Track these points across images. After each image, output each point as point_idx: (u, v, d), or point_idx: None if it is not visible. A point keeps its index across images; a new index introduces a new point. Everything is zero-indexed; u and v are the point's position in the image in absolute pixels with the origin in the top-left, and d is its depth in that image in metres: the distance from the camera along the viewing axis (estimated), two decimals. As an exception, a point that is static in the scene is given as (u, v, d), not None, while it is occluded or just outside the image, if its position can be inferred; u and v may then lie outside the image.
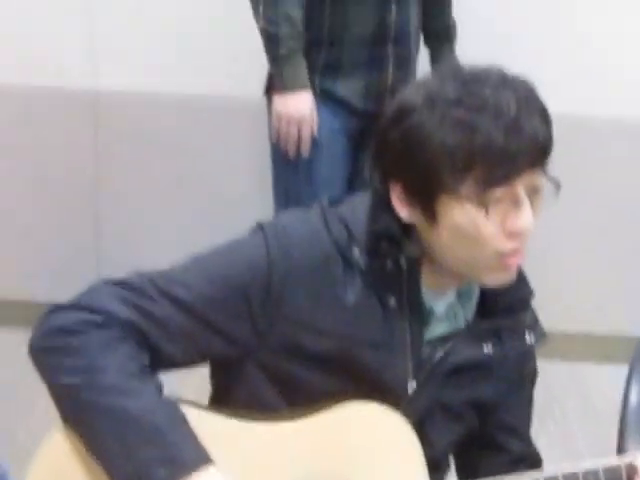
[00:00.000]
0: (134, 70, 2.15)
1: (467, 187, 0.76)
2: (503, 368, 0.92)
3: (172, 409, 0.80)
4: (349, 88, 1.62)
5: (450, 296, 0.89)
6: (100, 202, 2.29)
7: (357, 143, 1.68)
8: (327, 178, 1.63)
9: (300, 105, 1.54)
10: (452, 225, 0.79)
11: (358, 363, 0.86)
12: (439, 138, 0.76)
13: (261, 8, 1.54)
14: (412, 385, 0.88)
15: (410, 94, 0.84)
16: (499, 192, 0.76)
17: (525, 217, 0.78)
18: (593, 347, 2.24)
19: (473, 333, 0.89)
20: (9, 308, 2.17)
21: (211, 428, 0.82)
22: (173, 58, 2.11)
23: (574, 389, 2.17)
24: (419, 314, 0.87)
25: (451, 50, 1.80)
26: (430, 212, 0.80)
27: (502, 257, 0.80)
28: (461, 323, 0.90)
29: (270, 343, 0.85)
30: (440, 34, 1.78)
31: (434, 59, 1.79)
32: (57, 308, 0.85)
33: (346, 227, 0.86)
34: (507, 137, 0.75)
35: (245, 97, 1.89)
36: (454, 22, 1.78)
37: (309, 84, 1.56)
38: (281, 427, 0.84)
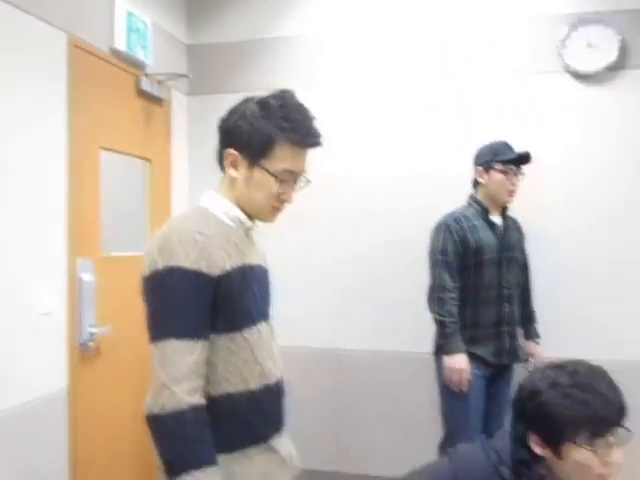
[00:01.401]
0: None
1: (581, 439, 1.13)
2: None
3: None
4: (484, 351, 2.52)
5: None
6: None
7: (490, 382, 2.56)
8: (475, 402, 2.47)
9: (461, 362, 2.45)
10: (572, 462, 1.15)
11: None
12: (563, 410, 1.13)
13: (435, 306, 2.51)
14: None
15: (536, 380, 1.21)
16: (600, 441, 1.13)
17: (615, 455, 1.14)
18: None
19: None
20: None
21: None
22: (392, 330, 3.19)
23: None
24: None
25: (535, 328, 2.77)
26: (558, 452, 1.15)
27: (602, 477, 1.15)
28: None
29: None
30: (529, 318, 2.78)
31: (527, 335, 2.76)
32: None
33: (497, 453, 1.22)
34: (605, 407, 1.13)
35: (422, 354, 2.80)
36: (534, 310, 2.79)
37: (465, 349, 2.48)
38: None
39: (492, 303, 2.55)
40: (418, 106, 3.23)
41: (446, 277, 2.51)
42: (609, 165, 3.03)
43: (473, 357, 2.51)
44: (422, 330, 2.74)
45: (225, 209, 1.34)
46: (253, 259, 1.37)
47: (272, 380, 1.34)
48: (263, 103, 1.31)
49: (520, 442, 1.22)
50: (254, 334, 1.31)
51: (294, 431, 3.24)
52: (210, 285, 1.21)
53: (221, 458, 1.22)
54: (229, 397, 1.26)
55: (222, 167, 1.37)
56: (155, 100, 3.07)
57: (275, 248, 3.05)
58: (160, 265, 1.20)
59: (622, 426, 1.16)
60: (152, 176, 3.06)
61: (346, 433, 3.28)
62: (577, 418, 1.14)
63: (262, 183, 1.30)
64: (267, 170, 1.30)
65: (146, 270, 1.23)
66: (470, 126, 3.09)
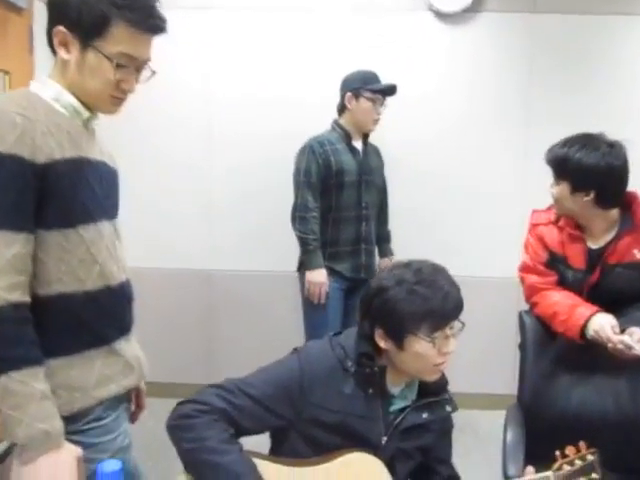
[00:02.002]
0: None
1: (422, 332, 1.22)
2: (435, 424, 1.37)
3: (248, 462, 1.19)
4: (343, 267, 2.71)
5: (402, 386, 1.34)
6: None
7: (348, 295, 2.76)
8: (333, 312, 2.68)
9: (321, 276, 2.63)
10: (413, 352, 1.24)
11: (352, 428, 1.27)
12: (406, 305, 1.22)
13: (298, 224, 2.64)
14: (384, 439, 1.30)
15: (384, 278, 1.28)
16: (439, 333, 1.23)
17: (452, 345, 1.26)
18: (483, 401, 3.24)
19: (416, 406, 1.33)
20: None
21: (268, 469, 1.22)
22: (261, 249, 3.31)
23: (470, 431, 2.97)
24: (386, 397, 1.31)
25: (389, 247, 3.02)
26: (400, 345, 1.25)
27: (437, 366, 1.27)
28: (409, 401, 1.34)
29: (303, 418, 1.26)
30: (385, 237, 3.02)
31: (382, 253, 2.99)
32: (183, 401, 1.25)
33: (343, 348, 1.30)
34: (444, 303, 1.23)
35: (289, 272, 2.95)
36: (389, 230, 3.03)
37: (324, 265, 2.66)
38: (312, 469, 1.24)
39: (351, 222, 2.73)
40: (292, 36, 3.29)
41: (309, 197, 2.64)
42: (467, 99, 3.28)
43: (332, 272, 2.70)
44: (289, 249, 2.89)
45: (56, 95, 1.20)
46: (94, 154, 1.26)
47: (115, 282, 1.26)
48: None
49: (366, 337, 1.30)
50: (91, 232, 1.21)
51: (166, 350, 3.38)
52: (32, 173, 1.09)
53: (58, 362, 1.16)
54: (63, 297, 1.17)
55: (53, 50, 1.21)
56: (13, 8, 2.88)
57: (140, 164, 3.26)
58: None
59: (458, 320, 1.26)
60: (12, 89, 2.90)
61: (217, 349, 3.44)
62: (419, 312, 1.22)
63: (97, 67, 1.17)
64: (101, 52, 1.16)
65: None
66: (337, 59, 3.20)
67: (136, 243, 3.22)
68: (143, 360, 1.39)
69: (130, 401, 1.44)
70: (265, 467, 1.23)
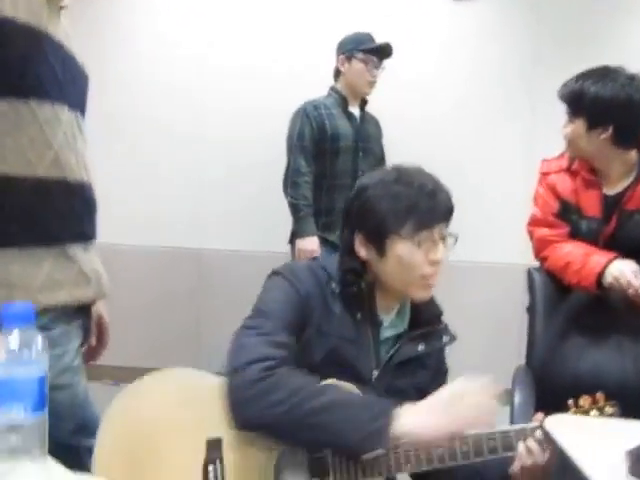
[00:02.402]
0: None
1: (406, 230, 1.11)
2: (431, 360, 1.24)
3: (341, 389, 1.07)
4: (336, 237, 2.48)
5: (393, 314, 1.23)
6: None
7: None
8: None
9: (312, 244, 2.48)
10: (396, 256, 1.13)
11: (343, 356, 1.14)
12: (387, 202, 1.12)
13: (290, 189, 2.52)
14: (375, 373, 1.17)
15: (365, 180, 1.20)
16: (425, 234, 1.11)
17: (440, 252, 1.13)
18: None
19: (411, 338, 1.21)
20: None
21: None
22: (251, 226, 3.15)
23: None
24: (375, 324, 1.19)
25: None
26: (381, 249, 1.14)
27: (424, 278, 1.14)
28: (401, 330, 1.23)
29: (304, 339, 1.13)
30: None
31: None
32: (234, 373, 1.05)
33: (325, 270, 1.19)
34: (430, 200, 1.12)
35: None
36: None
37: (316, 233, 2.51)
38: None
39: (347, 191, 2.49)
40: (287, 9, 3.20)
41: (301, 161, 2.50)
42: (470, 77, 3.16)
43: (325, 242, 2.55)
44: (280, 229, 2.73)
45: None
46: (58, 35, 1.16)
47: (73, 177, 1.15)
48: None
49: (348, 251, 1.19)
50: (47, 112, 1.09)
51: (151, 333, 3.19)
52: None
53: None
54: (7, 180, 1.05)
55: None
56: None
57: (128, 136, 3.16)
58: None
59: (445, 224, 1.15)
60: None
61: (204, 332, 3.23)
62: (401, 208, 1.12)
63: None
64: None
65: None
66: (332, 33, 3.08)
67: (120, 219, 3.18)
68: (104, 277, 1.24)
69: (87, 321, 1.27)
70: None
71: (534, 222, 1.87)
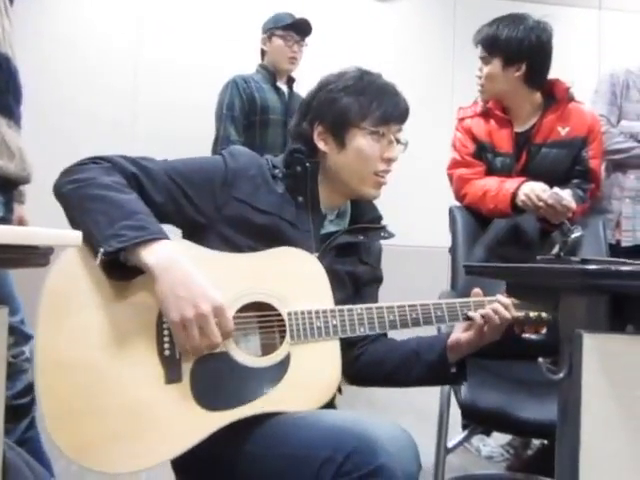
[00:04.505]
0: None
1: (367, 123, 1.16)
2: (369, 256, 1.27)
3: (149, 211, 1.01)
4: None
5: (335, 213, 1.25)
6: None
7: None
8: None
9: None
10: (355, 147, 1.16)
11: (282, 235, 1.13)
12: (351, 95, 1.16)
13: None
14: (315, 255, 1.15)
15: (327, 77, 1.22)
16: (383, 129, 1.16)
17: (394, 150, 1.19)
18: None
19: (351, 230, 1.24)
20: None
21: (181, 244, 1.04)
22: None
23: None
24: (318, 212, 1.20)
25: None
26: (342, 141, 1.16)
27: (377, 175, 1.18)
28: (342, 229, 1.24)
29: (226, 216, 1.11)
30: None
31: None
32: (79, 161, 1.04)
33: (271, 161, 1.22)
34: (392, 97, 1.19)
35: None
36: None
37: None
38: (235, 256, 1.07)
39: None
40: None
41: (231, 130, 2.55)
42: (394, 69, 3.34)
43: (255, 210, 2.56)
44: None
45: None
46: None
47: None
48: None
49: (303, 138, 1.21)
50: None
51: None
52: None
53: None
54: None
55: None
56: None
57: (58, 134, 3.11)
58: None
59: (400, 126, 1.20)
60: None
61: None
62: (365, 102, 1.16)
63: None
64: None
65: None
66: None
67: (52, 206, 3.02)
68: (29, 163, 1.22)
69: (9, 205, 1.23)
70: (177, 241, 1.05)
71: (453, 165, 1.98)
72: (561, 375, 0.80)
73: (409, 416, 2.46)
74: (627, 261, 0.94)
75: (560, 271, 0.81)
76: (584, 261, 0.94)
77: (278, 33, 2.67)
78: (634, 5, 2.36)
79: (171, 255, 0.97)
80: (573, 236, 1.24)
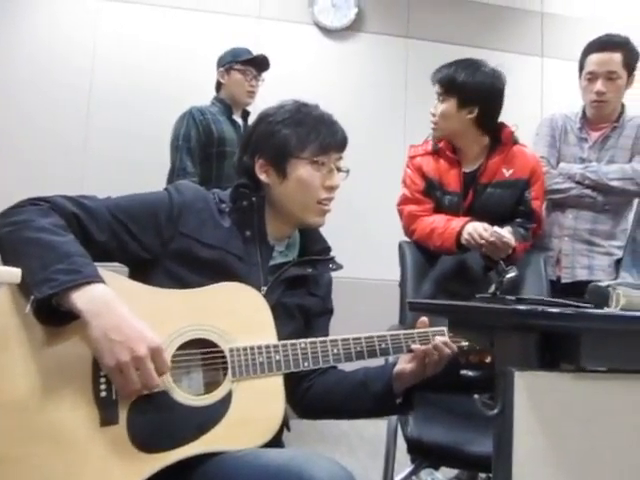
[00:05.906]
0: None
1: (307, 154, 1.18)
2: (318, 288, 1.28)
3: (85, 252, 0.98)
4: None
5: (284, 244, 1.26)
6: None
7: None
8: None
9: None
10: (297, 177, 1.18)
11: (230, 269, 1.13)
12: (290, 127, 1.18)
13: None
14: (264, 289, 1.17)
15: (266, 110, 1.25)
16: (323, 158, 1.18)
17: (335, 178, 1.21)
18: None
19: (300, 263, 1.24)
20: None
21: (120, 283, 1.00)
22: None
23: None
24: (266, 245, 1.21)
25: None
26: (283, 172, 1.18)
27: (320, 204, 1.20)
28: (290, 259, 1.24)
29: (172, 251, 1.10)
30: None
31: None
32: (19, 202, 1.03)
33: (218, 196, 1.22)
34: (330, 127, 1.21)
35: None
36: None
37: None
38: (177, 292, 1.05)
39: None
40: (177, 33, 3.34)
41: (187, 162, 2.54)
42: (348, 111, 3.41)
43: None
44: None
45: None
46: None
47: None
48: None
49: (245, 172, 1.23)
50: None
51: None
52: None
53: None
54: None
55: None
56: None
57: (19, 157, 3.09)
58: None
59: (340, 155, 1.22)
60: None
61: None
62: (303, 132, 1.18)
63: None
64: None
65: None
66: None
67: None
68: None
69: None
70: (113, 277, 1.01)
71: (403, 201, 2.03)
72: (495, 411, 0.83)
73: (360, 450, 2.47)
74: (559, 301, 0.98)
75: (494, 310, 0.85)
76: (519, 300, 0.99)
77: (237, 67, 2.71)
78: (574, 54, 2.53)
79: (104, 298, 0.94)
80: (508, 276, 1.28)
